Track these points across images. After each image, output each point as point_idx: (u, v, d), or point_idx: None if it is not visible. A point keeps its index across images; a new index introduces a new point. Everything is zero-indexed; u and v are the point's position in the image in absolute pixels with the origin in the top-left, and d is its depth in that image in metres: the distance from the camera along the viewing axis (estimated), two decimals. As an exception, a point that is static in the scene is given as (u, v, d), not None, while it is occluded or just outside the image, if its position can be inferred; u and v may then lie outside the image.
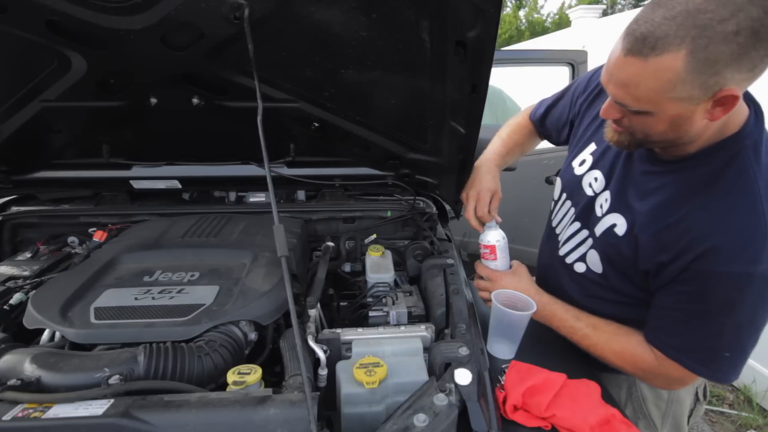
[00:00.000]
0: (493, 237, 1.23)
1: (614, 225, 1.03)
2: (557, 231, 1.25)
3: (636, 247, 0.98)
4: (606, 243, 1.05)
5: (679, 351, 0.95)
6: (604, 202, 1.07)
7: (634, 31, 0.77)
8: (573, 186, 1.18)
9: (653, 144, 0.93)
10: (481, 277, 1.25)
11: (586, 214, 1.13)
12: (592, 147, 1.16)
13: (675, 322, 0.95)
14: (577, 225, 1.15)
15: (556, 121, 1.35)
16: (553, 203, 1.31)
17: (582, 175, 1.16)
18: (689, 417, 1.23)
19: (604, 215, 1.06)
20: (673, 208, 0.93)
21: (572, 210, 1.19)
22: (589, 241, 1.11)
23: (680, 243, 0.90)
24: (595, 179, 1.12)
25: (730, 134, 0.88)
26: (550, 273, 1.25)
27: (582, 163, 1.17)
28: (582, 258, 1.13)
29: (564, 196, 1.23)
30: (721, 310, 0.89)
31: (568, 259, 1.17)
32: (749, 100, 0.90)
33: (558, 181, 1.27)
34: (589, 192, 1.13)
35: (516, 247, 2.95)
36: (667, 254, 0.92)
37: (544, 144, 1.51)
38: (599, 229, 1.07)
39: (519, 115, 1.48)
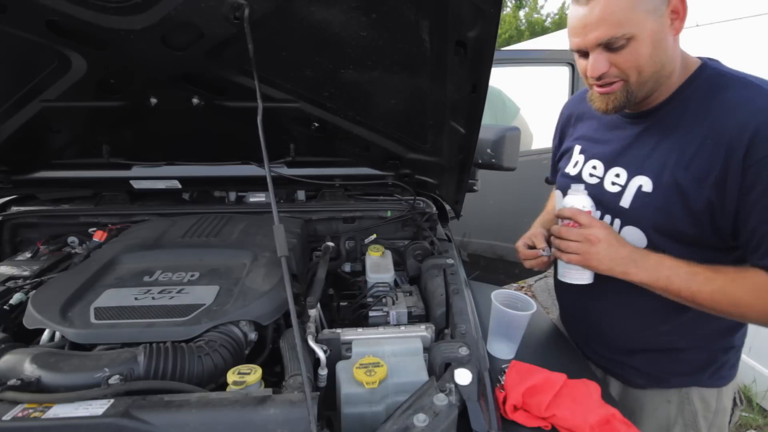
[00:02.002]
0: (582, 202, 1.07)
1: (640, 186, 1.02)
2: None
3: (671, 191, 0.96)
4: (641, 206, 1.02)
5: None
6: (614, 178, 1.08)
7: None
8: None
9: (645, 85, 0.97)
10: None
11: (599, 200, 1.11)
12: (578, 148, 1.22)
13: None
14: (596, 215, 1.12)
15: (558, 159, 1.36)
16: (558, 220, 1.25)
17: (579, 172, 1.19)
18: (729, 423, 1.19)
19: (624, 187, 1.05)
20: (689, 139, 0.95)
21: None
22: (617, 223, 1.07)
23: (720, 153, 0.89)
24: (594, 167, 1.15)
25: (695, 68, 0.99)
26: (588, 285, 1.10)
27: (575, 164, 1.21)
28: None
29: None
30: None
31: None
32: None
33: (556, 194, 1.26)
34: (592, 180, 1.14)
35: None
36: (714, 173, 0.90)
37: (544, 144, 1.52)
38: (626, 200, 1.04)
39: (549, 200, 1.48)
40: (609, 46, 0.93)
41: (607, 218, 1.10)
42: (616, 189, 1.08)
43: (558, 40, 6.17)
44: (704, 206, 0.93)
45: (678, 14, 0.92)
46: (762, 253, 0.90)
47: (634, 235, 1.03)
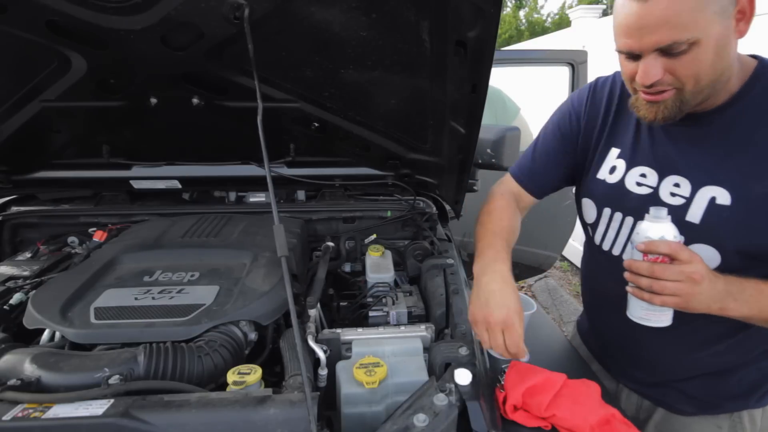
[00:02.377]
0: (671, 231, 0.86)
1: (713, 199, 0.89)
2: (615, 252, 1.06)
3: (759, 203, 0.85)
4: (717, 222, 0.89)
5: None
6: (673, 188, 0.95)
7: None
8: (615, 195, 1.04)
9: (699, 94, 0.85)
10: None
11: None
12: (615, 152, 1.06)
13: None
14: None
15: (551, 166, 1.19)
16: (588, 228, 1.15)
17: (621, 181, 1.03)
18: None
19: (690, 199, 0.92)
20: None
21: (629, 219, 1.03)
22: (678, 236, 0.90)
23: None
24: (642, 175, 1.00)
25: (753, 68, 0.89)
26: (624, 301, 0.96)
27: (612, 170, 1.06)
28: None
29: (607, 211, 1.07)
30: None
31: None
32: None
33: (587, 202, 1.12)
34: (642, 191, 1.00)
35: (516, 247, 2.96)
36: None
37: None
38: (695, 215, 0.91)
39: (492, 202, 1.20)
40: (667, 51, 0.81)
41: None
42: (678, 201, 0.94)
43: (558, 40, 6.17)
44: None
45: (744, 15, 0.80)
46: None
47: (706, 254, 0.90)
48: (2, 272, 1.25)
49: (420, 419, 0.77)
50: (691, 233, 0.91)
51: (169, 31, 1.03)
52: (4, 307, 1.07)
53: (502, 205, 1.18)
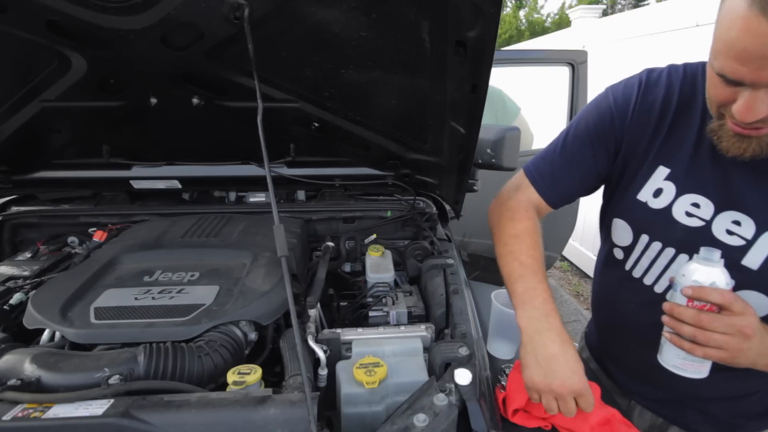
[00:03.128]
0: (723, 277, 0.77)
1: None
2: (648, 281, 0.97)
3: None
4: None
5: None
6: (732, 225, 0.84)
7: None
8: (656, 224, 0.93)
9: None
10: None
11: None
12: (663, 171, 0.92)
13: None
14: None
15: (575, 177, 1.05)
16: (616, 249, 1.04)
17: (669, 207, 0.91)
18: None
19: (751, 241, 0.82)
20: None
21: (669, 250, 0.93)
22: (730, 283, 0.80)
23: None
24: (695, 205, 0.88)
25: None
26: (650, 335, 0.88)
27: (658, 193, 0.93)
28: None
29: (644, 238, 0.97)
30: None
31: None
32: None
33: (619, 223, 1.01)
34: (692, 222, 0.88)
35: (516, 247, 2.96)
36: None
37: (544, 144, 1.50)
38: (755, 260, 0.81)
39: (518, 220, 1.05)
40: None
41: None
42: (736, 241, 0.84)
43: (558, 40, 6.17)
44: None
45: None
46: None
47: (756, 302, 0.82)
48: (2, 272, 1.25)
49: (420, 419, 0.77)
50: (744, 279, 0.83)
51: (169, 31, 1.03)
52: (4, 307, 1.07)
53: (530, 228, 1.02)
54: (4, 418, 0.71)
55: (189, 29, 1.02)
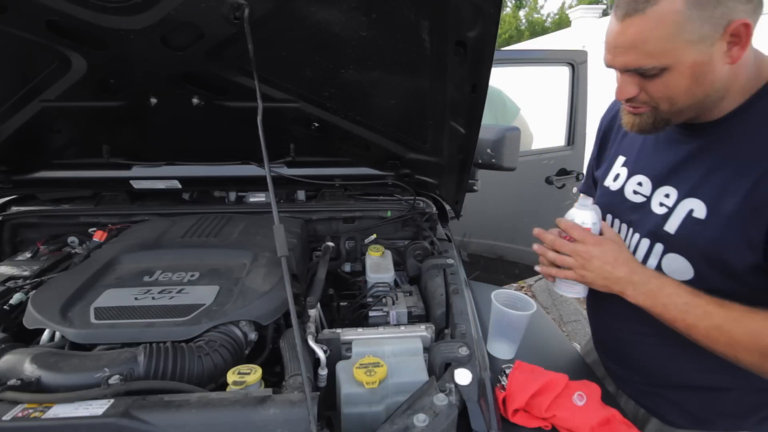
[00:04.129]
0: (583, 217, 1.00)
1: (691, 211, 0.90)
2: None
3: (731, 221, 0.85)
4: (690, 234, 0.90)
5: None
6: (664, 198, 0.96)
7: None
8: (615, 203, 1.08)
9: (680, 113, 0.86)
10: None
11: (643, 222, 1.00)
12: (621, 159, 1.10)
13: None
14: (636, 238, 1.01)
15: (590, 177, 1.27)
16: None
17: (622, 188, 1.07)
18: None
19: (673, 208, 0.94)
20: (756, 160, 0.82)
21: (623, 226, 1.06)
22: (659, 248, 0.96)
23: None
24: (639, 184, 1.02)
25: (766, 82, 0.84)
26: (621, 308, 1.01)
27: (616, 177, 1.09)
28: (657, 270, 0.96)
29: (609, 218, 1.11)
30: None
31: None
32: None
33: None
34: (637, 199, 1.02)
35: (516, 247, 2.97)
36: None
37: (544, 144, 1.50)
38: (673, 225, 0.93)
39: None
40: (639, 72, 0.83)
41: (645, 243, 0.98)
42: (662, 210, 0.95)
43: (558, 40, 6.17)
44: (763, 236, 0.82)
45: (739, 39, 0.76)
46: None
47: (680, 264, 0.92)
48: (2, 272, 1.25)
49: (420, 419, 0.77)
50: (666, 243, 0.94)
51: (169, 31, 1.03)
52: (4, 307, 1.07)
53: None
54: (4, 418, 0.71)
55: (189, 29, 1.02)
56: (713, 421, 1.03)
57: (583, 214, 0.99)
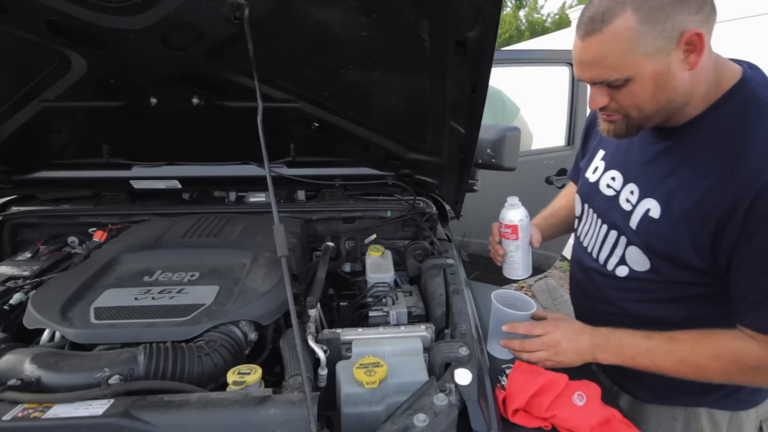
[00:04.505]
0: (516, 216, 1.14)
1: (648, 210, 0.98)
2: (585, 244, 1.19)
3: (679, 223, 0.91)
4: (645, 231, 0.98)
5: None
6: (629, 195, 1.03)
7: (581, 18, 0.87)
8: (591, 194, 1.16)
9: (650, 119, 0.92)
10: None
11: (611, 215, 1.08)
12: (601, 153, 1.17)
13: (765, 289, 0.84)
14: (605, 229, 1.10)
15: (577, 163, 1.35)
16: (576, 221, 1.26)
17: (597, 181, 1.14)
18: None
19: (635, 206, 1.01)
20: (708, 168, 0.88)
21: (595, 216, 1.15)
22: (623, 240, 1.04)
23: (730, 195, 0.84)
24: (612, 178, 1.10)
25: (730, 86, 0.89)
26: (589, 288, 1.16)
27: (595, 170, 1.17)
28: (621, 261, 1.06)
29: (585, 207, 1.19)
30: None
31: (608, 266, 1.09)
32: (739, 62, 0.93)
33: (577, 198, 1.24)
34: (608, 192, 1.10)
35: (516, 247, 2.95)
36: (720, 212, 0.85)
37: (544, 144, 1.51)
38: (634, 221, 1.01)
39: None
40: (606, 84, 0.89)
41: (613, 234, 1.07)
42: (628, 207, 1.03)
43: (558, 40, 6.17)
44: (709, 243, 0.88)
45: (694, 47, 0.81)
46: (742, 307, 0.88)
47: (638, 257, 1.01)
48: (2, 272, 1.25)
49: (420, 419, 0.77)
50: (630, 237, 1.02)
51: (169, 31, 1.03)
52: (4, 307, 1.07)
53: (566, 190, 1.45)
54: (4, 418, 0.71)
55: (189, 29, 1.02)
56: (675, 397, 1.10)
57: (519, 213, 1.13)
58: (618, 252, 1.06)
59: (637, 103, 0.88)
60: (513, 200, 1.14)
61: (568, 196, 1.43)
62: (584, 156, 1.27)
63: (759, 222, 0.81)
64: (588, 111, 1.32)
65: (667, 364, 0.93)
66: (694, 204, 0.88)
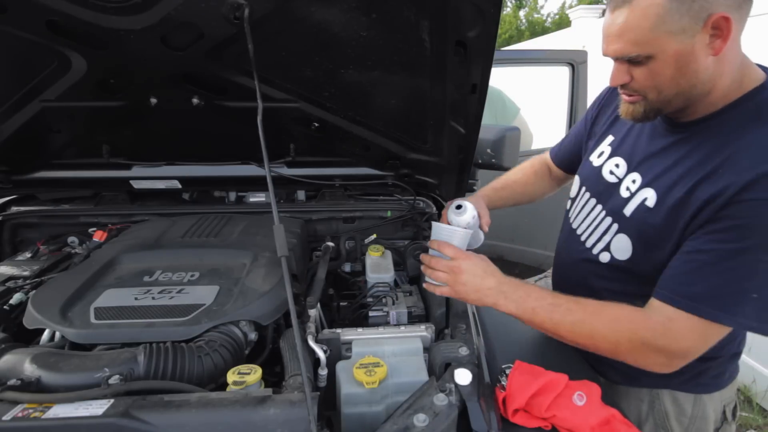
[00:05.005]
0: (463, 220, 1.10)
1: (645, 199, 0.98)
2: (574, 226, 1.20)
3: (670, 212, 0.91)
4: (638, 219, 0.98)
5: (695, 299, 0.84)
6: (631, 183, 1.03)
7: None
8: (592, 178, 1.15)
9: (669, 103, 0.90)
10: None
11: (609, 201, 1.08)
12: (609, 138, 1.15)
13: (698, 267, 0.85)
14: (602, 214, 1.10)
15: (572, 142, 1.34)
16: (569, 201, 1.27)
17: (601, 165, 1.13)
18: None
19: (633, 194, 1.01)
20: (708, 161, 0.88)
21: (593, 200, 1.15)
22: (614, 227, 1.05)
23: (720, 183, 0.83)
24: (617, 165, 1.09)
25: (751, 89, 0.88)
26: (571, 272, 1.18)
27: (600, 155, 1.16)
28: (606, 247, 1.07)
29: (583, 189, 1.20)
30: (759, 247, 0.80)
31: (594, 251, 1.10)
32: (764, 68, 0.91)
33: (576, 179, 1.24)
34: (611, 179, 1.09)
35: (516, 247, 2.97)
36: (702, 200, 0.85)
37: (544, 144, 1.51)
38: (629, 210, 1.01)
39: (529, 160, 1.48)
40: (629, 60, 0.88)
41: (608, 220, 1.07)
42: (626, 194, 1.03)
43: (558, 40, 6.17)
44: (680, 231, 0.90)
45: (721, 31, 0.80)
46: (663, 279, 0.90)
47: (624, 244, 1.02)
48: (2, 272, 1.25)
49: (420, 419, 0.77)
50: (621, 224, 1.03)
51: (169, 31, 1.03)
52: (4, 307, 1.07)
53: (526, 166, 1.45)
54: (4, 418, 0.71)
55: (189, 29, 1.02)
56: (641, 378, 1.11)
57: (459, 218, 1.10)
58: (606, 238, 1.07)
59: (657, 84, 0.87)
60: (463, 201, 1.10)
61: (525, 171, 1.44)
62: (590, 137, 1.25)
63: (734, 210, 0.81)
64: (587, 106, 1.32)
65: (564, 322, 0.93)
66: (685, 194, 0.89)
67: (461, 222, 1.08)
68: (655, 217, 0.95)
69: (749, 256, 0.81)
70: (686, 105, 0.91)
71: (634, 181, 1.03)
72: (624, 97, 0.96)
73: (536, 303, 0.95)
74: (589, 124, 1.27)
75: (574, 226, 1.20)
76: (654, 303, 0.90)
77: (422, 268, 1.09)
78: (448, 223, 1.09)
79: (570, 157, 1.35)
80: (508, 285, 0.99)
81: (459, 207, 1.10)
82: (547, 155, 1.44)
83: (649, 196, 0.97)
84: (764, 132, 0.84)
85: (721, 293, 0.83)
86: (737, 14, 0.80)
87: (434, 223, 1.08)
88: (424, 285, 1.10)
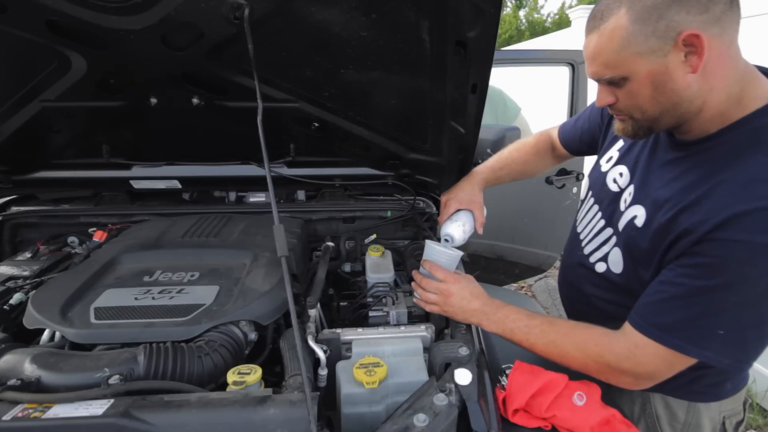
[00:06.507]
0: (457, 232, 1.22)
1: (635, 217, 0.98)
2: (579, 230, 1.20)
3: (653, 235, 0.91)
4: (627, 236, 0.99)
5: (662, 329, 0.85)
6: (628, 196, 1.03)
7: (588, 16, 0.88)
8: (598, 184, 1.15)
9: (657, 121, 0.89)
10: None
11: (610, 211, 1.08)
12: (620, 143, 1.14)
13: (668, 299, 0.86)
14: (601, 223, 1.10)
15: (584, 126, 1.31)
16: (580, 204, 1.26)
17: (607, 172, 1.13)
18: None
19: (626, 209, 1.01)
20: (694, 189, 0.86)
21: (596, 208, 1.15)
22: (613, 240, 1.05)
23: (698, 215, 0.82)
24: (620, 174, 1.08)
25: (754, 109, 0.84)
26: (572, 277, 1.19)
27: (609, 159, 1.15)
28: (604, 258, 1.07)
29: (589, 194, 1.20)
30: (728, 286, 0.80)
31: (591, 259, 1.11)
32: None
33: (585, 180, 1.24)
34: (614, 188, 1.09)
35: (516, 247, 2.97)
36: (681, 229, 0.85)
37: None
38: (621, 224, 1.02)
39: (530, 136, 1.47)
40: (609, 82, 0.88)
41: (608, 231, 1.07)
42: (623, 207, 1.03)
43: (558, 40, 6.17)
44: (661, 255, 0.90)
45: (695, 48, 0.77)
46: (637, 305, 0.91)
47: (617, 258, 1.02)
48: (2, 272, 1.25)
49: (420, 419, 0.77)
50: (617, 237, 1.04)
51: (169, 31, 1.03)
52: (4, 307, 1.07)
53: (528, 143, 1.45)
54: (4, 418, 0.71)
55: (189, 29, 1.02)
56: None
57: (453, 227, 1.21)
58: (605, 249, 1.08)
59: (638, 104, 0.87)
60: (457, 216, 1.23)
61: (527, 147, 1.44)
62: (605, 135, 1.22)
63: (705, 247, 0.81)
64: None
65: (538, 343, 0.99)
66: (668, 219, 0.88)
67: (456, 230, 1.20)
68: (642, 238, 0.94)
69: (717, 294, 0.81)
70: (678, 123, 0.89)
71: (630, 194, 1.03)
72: (615, 115, 0.97)
73: (513, 324, 1.02)
74: (606, 118, 1.23)
75: (579, 230, 1.20)
76: (626, 327, 0.92)
77: (413, 284, 1.17)
78: (441, 238, 1.20)
79: (578, 140, 1.34)
80: (491, 307, 1.06)
81: (447, 239, 1.20)
82: (553, 132, 1.42)
83: (639, 214, 0.97)
84: (753, 163, 0.80)
85: (689, 326, 0.84)
86: (716, 28, 0.77)
87: (427, 242, 1.14)
88: (415, 300, 1.17)
